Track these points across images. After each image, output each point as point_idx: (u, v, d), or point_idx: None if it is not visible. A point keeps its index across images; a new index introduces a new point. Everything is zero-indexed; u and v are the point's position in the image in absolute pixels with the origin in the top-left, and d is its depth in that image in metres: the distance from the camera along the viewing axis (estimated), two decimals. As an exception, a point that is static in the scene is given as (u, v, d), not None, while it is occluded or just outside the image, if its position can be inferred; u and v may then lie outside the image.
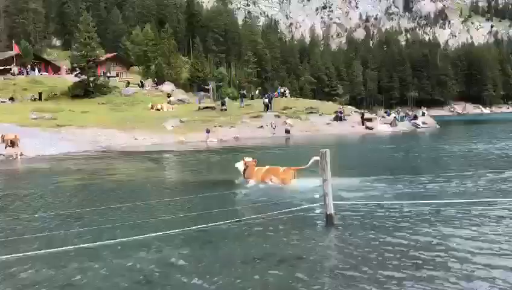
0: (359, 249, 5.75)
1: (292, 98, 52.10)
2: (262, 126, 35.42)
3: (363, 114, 41.17)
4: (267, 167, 10.93)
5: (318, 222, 6.97)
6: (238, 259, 5.55)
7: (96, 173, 15.14)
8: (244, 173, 11.09)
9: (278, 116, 37.50)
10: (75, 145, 25.24)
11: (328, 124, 37.24)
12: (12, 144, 21.35)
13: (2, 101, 42.91)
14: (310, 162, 9.75)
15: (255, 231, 6.73)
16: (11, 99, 44.34)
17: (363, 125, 37.62)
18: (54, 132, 28.92)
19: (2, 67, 58.64)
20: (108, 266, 5.44)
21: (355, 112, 43.53)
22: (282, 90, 53.54)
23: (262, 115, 37.84)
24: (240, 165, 11.22)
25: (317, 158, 9.91)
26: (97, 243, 5.88)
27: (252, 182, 10.69)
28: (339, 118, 38.11)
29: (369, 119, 39.06)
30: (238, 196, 9.73)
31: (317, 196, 7.31)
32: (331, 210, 6.80)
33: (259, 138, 32.00)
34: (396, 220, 7.13)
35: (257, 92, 63.97)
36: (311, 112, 39.71)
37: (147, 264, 5.49)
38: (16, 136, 21.73)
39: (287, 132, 34.40)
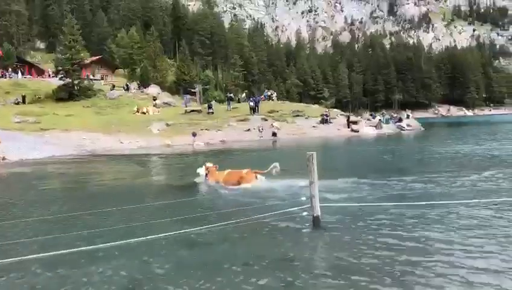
0: (346, 252, 5.76)
1: (279, 101, 52.24)
2: (249, 129, 35.42)
3: (348, 117, 41.44)
4: (227, 170, 11.51)
5: (305, 224, 6.96)
6: (225, 263, 5.51)
7: (81, 177, 14.96)
8: (206, 177, 11.75)
9: (265, 120, 37.54)
10: (59, 149, 24.92)
11: (314, 127, 37.39)
12: None
13: (-16, 105, 42.21)
14: (270, 168, 10.71)
15: (241, 234, 6.69)
16: (-7, 102, 43.67)
17: (348, 128, 37.87)
18: (37, 135, 28.54)
19: (-16, 71, 57.79)
20: (96, 272, 5.36)
21: (341, 114, 43.85)
22: (268, 93, 53.68)
23: (249, 118, 37.87)
24: (201, 171, 11.90)
25: (276, 164, 10.68)
26: (83, 248, 5.79)
27: (214, 183, 11.25)
28: (325, 120, 38.32)
29: (355, 122, 39.35)
30: (224, 200, 9.68)
31: (303, 199, 7.31)
32: (318, 212, 6.80)
33: (246, 141, 32.00)
34: (382, 222, 7.16)
35: (244, 95, 63.93)
36: (298, 115, 39.90)
37: (134, 269, 5.43)
38: None
39: (274, 134, 34.43)
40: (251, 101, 41.89)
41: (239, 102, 53.40)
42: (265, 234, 6.72)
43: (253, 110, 39.63)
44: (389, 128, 39.94)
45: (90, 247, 5.89)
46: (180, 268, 5.41)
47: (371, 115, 55.37)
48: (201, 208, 8.64)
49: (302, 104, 55.82)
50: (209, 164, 11.95)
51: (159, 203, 9.18)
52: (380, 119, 43.82)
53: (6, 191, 12.31)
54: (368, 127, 39.26)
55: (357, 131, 37.03)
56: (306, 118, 39.49)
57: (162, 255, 5.89)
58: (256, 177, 10.92)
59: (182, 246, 6.22)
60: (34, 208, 9.55)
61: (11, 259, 5.48)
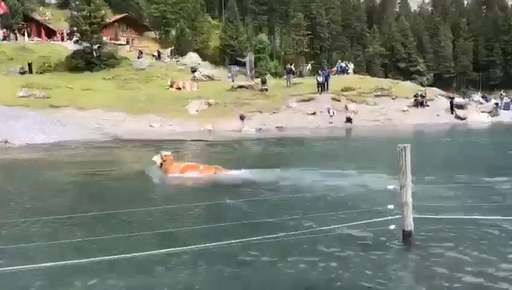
0: (445, 278, 5.60)
1: (356, 76, 51.48)
2: (314, 112, 35.25)
3: (452, 99, 40.43)
4: (185, 163, 13.68)
5: (392, 240, 6.84)
6: (287, 285, 5.50)
7: (97, 168, 15.42)
8: (161, 167, 13.55)
9: (337, 100, 37.22)
10: (73, 132, 25.92)
11: (404, 111, 36.85)
12: None
13: (-17, 74, 44.49)
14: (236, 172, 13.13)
15: (308, 249, 6.66)
16: (-5, 72, 45.89)
17: (452, 113, 37.18)
18: (47, 114, 29.80)
19: (-16, 31, 60.74)
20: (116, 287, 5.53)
21: (441, 95, 42.95)
22: (342, 64, 53.03)
23: (316, 98, 37.66)
24: (157, 159, 13.65)
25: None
26: (96, 259, 5.98)
27: (170, 175, 13.02)
28: (419, 103, 37.71)
29: (461, 106, 38.48)
30: (289, 204, 9.64)
31: (391, 207, 7.16)
32: (410, 226, 6.65)
33: (311, 128, 31.87)
34: (493, 240, 6.94)
35: (309, 67, 63.67)
36: (382, 95, 39.27)
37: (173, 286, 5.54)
38: None
39: (349, 120, 34.08)
40: (319, 75, 41.55)
41: (302, 76, 53.09)
42: (340, 250, 6.64)
43: (322, 87, 39.27)
44: (508, 116, 38.48)
45: (103, 258, 6.07)
46: (230, 287, 5.46)
47: (484, 97, 53.54)
48: (259, 213, 8.69)
49: (387, 80, 54.76)
50: (165, 152, 13.77)
51: (199, 205, 9.32)
52: (496, 103, 42.30)
53: (6, 184, 12.90)
54: (479, 112, 38.11)
55: (463, 118, 36.19)
56: (393, 98, 38.87)
57: (201, 271, 5.95)
58: (215, 172, 13.01)
59: (229, 260, 6.25)
60: (37, 205, 10.00)
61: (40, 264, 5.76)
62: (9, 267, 5.64)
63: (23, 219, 8.45)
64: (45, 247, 6.84)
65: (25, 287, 5.47)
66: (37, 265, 5.77)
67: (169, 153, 13.84)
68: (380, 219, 7.24)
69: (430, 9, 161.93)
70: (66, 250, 6.61)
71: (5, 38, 58.65)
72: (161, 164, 13.52)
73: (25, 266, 5.68)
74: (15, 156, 18.88)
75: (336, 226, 7.32)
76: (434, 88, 51.00)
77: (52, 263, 5.83)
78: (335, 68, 51.79)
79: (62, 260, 5.93)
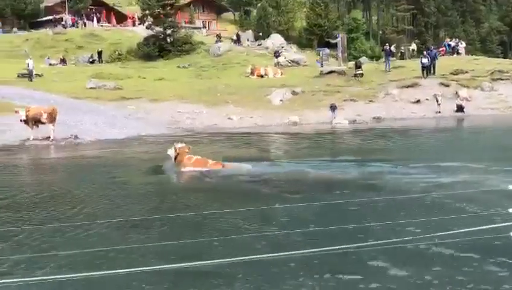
0: None
1: (469, 56, 49.98)
2: (419, 100, 34.67)
3: None
4: (197, 156, 14.57)
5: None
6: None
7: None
8: (175, 160, 14.55)
9: (446, 85, 36.41)
10: (147, 126, 26.78)
11: (528, 97, 35.42)
12: (51, 119, 22.78)
13: (51, 64, 46.54)
14: (240, 165, 14.71)
15: (405, 260, 6.54)
16: (62, 61, 47.82)
17: None
18: (118, 107, 30.96)
19: (51, 17, 63.17)
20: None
21: None
22: (452, 43, 51.67)
23: (420, 84, 37.06)
24: (171, 152, 14.61)
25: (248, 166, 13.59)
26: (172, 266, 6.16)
27: (184, 169, 14.18)
28: (547, 88, 36.16)
29: None
30: (385, 209, 9.52)
31: (513, 211, 6.94)
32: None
33: (415, 119, 31.27)
34: None
35: (412, 47, 62.22)
36: (500, 79, 38.06)
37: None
38: (54, 108, 23.24)
39: (460, 109, 33.13)
40: (424, 56, 40.68)
41: (403, 58, 52.06)
42: (450, 262, 6.47)
43: (427, 70, 38.45)
44: None
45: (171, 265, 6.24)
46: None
47: None
48: (358, 215, 8.69)
49: (507, 60, 52.71)
50: (178, 145, 14.54)
51: (295, 205, 9.41)
52: None
53: (77, 184, 13.46)
54: None
55: None
56: (514, 82, 37.51)
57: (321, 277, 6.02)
58: (223, 167, 14.24)
59: (337, 268, 6.25)
60: (120, 205, 10.42)
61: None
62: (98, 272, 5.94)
63: (107, 220, 8.82)
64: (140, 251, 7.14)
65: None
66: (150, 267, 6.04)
67: (183, 144, 14.71)
68: (499, 225, 7.03)
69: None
70: (158, 254, 6.89)
71: (73, 24, 60.73)
72: (175, 157, 14.47)
73: (123, 270, 5.96)
74: (85, 153, 19.66)
75: (443, 233, 7.13)
76: None
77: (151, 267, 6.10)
78: (443, 48, 50.51)
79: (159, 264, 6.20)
